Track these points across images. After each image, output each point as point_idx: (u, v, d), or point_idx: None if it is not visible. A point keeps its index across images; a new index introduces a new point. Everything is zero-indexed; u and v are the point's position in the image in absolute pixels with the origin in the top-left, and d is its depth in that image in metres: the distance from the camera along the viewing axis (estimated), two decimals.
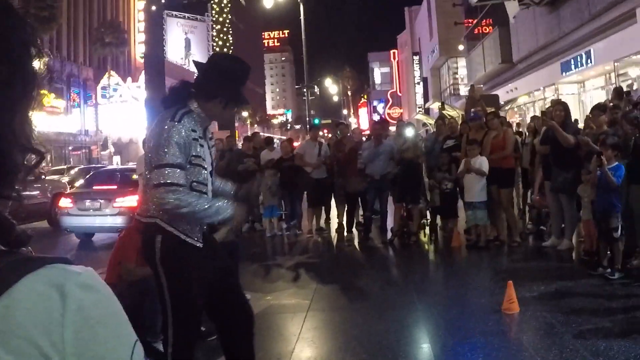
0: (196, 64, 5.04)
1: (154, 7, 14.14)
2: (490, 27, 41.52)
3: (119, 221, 15.42)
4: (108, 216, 16.29)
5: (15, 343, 0.94)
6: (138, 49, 77.64)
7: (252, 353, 5.13)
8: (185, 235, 4.64)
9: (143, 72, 19.07)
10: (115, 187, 17.35)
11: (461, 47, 53.47)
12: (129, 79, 69.55)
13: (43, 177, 23.98)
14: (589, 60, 25.41)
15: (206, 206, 4.58)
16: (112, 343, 1.05)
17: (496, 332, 7.65)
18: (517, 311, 8.17)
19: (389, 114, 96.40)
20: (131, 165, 21.33)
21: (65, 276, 1.03)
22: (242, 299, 5.13)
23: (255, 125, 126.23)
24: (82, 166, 39.57)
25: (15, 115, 1.09)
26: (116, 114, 64.62)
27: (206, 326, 7.73)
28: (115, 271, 7.65)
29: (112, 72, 67.12)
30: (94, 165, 42.67)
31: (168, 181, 4.47)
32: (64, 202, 17.26)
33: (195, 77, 5.03)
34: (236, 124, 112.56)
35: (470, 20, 48.95)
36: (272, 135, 23.93)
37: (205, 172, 4.76)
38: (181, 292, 4.63)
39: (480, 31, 44.60)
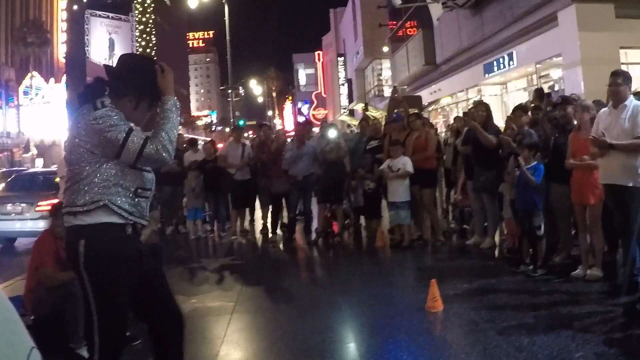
0: (107, 67, 4.92)
1: (75, 7, 13.87)
2: (415, 29, 41.83)
3: (41, 225, 15.19)
4: (30, 220, 16.03)
5: None
6: (61, 49, 76.56)
7: (182, 356, 5.03)
8: (130, 214, 4.56)
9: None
10: (37, 190, 17.09)
11: (385, 49, 53.85)
12: (52, 80, 68.42)
13: None
14: (511, 62, 25.84)
15: (170, 123, 4.62)
16: (5, 351, 1.00)
17: (421, 330, 7.67)
18: (441, 309, 8.23)
19: (313, 115, 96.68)
20: (53, 168, 20.95)
21: None
22: (171, 300, 5.00)
23: (180, 127, 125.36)
24: (4, 169, 38.89)
25: None
26: (38, 116, 63.58)
27: (131, 331, 7.64)
28: (34, 277, 7.50)
29: (35, 73, 66.05)
30: (16, 168, 41.95)
31: (139, 147, 4.42)
32: None
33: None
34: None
35: (394, 22, 49.30)
36: (196, 137, 23.73)
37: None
38: (107, 297, 4.47)
39: (405, 33, 44.92)
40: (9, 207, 16.54)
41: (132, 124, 4.57)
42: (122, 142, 4.42)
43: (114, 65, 4.92)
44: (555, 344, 6.69)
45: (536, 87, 21.60)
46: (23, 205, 16.38)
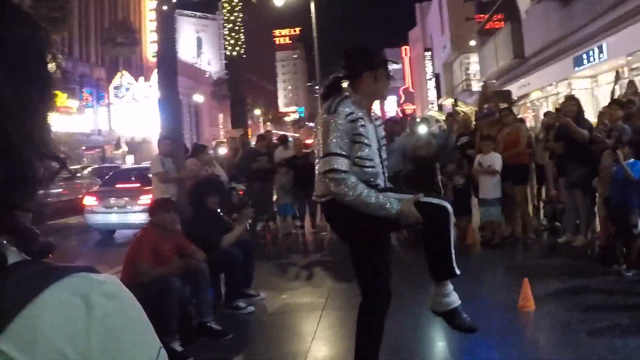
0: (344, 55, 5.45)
1: (165, 7, 14.12)
2: (502, 22, 41.41)
3: (143, 218, 15.67)
4: (133, 213, 16.55)
5: (42, 352, 0.94)
6: (150, 48, 77.73)
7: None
8: None
9: (155, 71, 19.19)
10: (138, 185, 17.59)
11: (473, 43, 53.35)
12: (141, 78, 69.56)
13: (78, 174, 24.89)
14: (601, 55, 25.32)
15: (372, 200, 4.89)
16: (136, 350, 1.05)
17: (512, 329, 7.64)
18: (533, 308, 8.14)
19: (402, 109, 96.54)
20: (145, 164, 21.49)
21: (89, 285, 1.03)
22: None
23: (268, 123, 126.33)
24: (96, 166, 39.77)
25: (33, 123, 1.09)
26: (129, 114, 64.78)
27: (222, 325, 7.78)
28: (129, 271, 7.66)
29: (124, 72, 67.28)
30: (107, 164, 42.85)
31: (332, 167, 4.87)
32: (89, 200, 17.61)
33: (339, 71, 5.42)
34: (249, 122, 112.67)
35: (481, 16, 48.90)
36: (286, 133, 23.99)
37: (369, 148, 5.10)
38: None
39: (492, 26, 44.49)
40: (112, 200, 17.10)
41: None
42: (327, 152, 4.94)
43: (344, 54, 5.46)
44: None
45: (628, 79, 21.16)
46: (126, 198, 16.92)
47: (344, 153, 4.91)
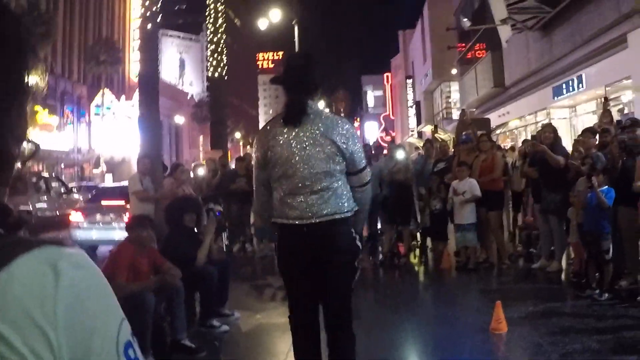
0: (291, 64, 5.18)
1: (149, 26, 14.20)
2: (483, 52, 41.68)
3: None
4: (118, 230, 16.55)
5: (12, 314, 1.01)
6: (133, 67, 77.65)
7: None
8: None
9: (137, 90, 19.22)
10: (123, 202, 17.62)
11: (454, 71, 53.61)
12: (123, 97, 69.50)
13: (73, 190, 25.46)
14: (580, 85, 25.54)
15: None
16: (101, 318, 1.12)
17: (484, 351, 7.70)
18: (505, 331, 8.21)
19: (381, 137, 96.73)
20: (124, 183, 21.57)
21: (58, 255, 1.10)
22: None
23: (248, 147, 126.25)
24: (74, 184, 39.70)
25: (12, 106, 1.16)
26: (109, 132, 64.53)
27: (195, 342, 7.81)
28: None
29: (106, 90, 67.09)
30: (85, 183, 42.75)
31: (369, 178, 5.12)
32: (75, 216, 17.55)
33: (291, 77, 5.07)
34: (228, 145, 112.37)
35: (463, 45, 49.15)
36: None
37: None
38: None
39: (474, 55, 44.77)
40: (98, 216, 17.10)
41: None
42: (365, 166, 5.04)
43: (302, 60, 5.21)
44: None
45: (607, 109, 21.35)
46: (111, 215, 16.92)
47: None
